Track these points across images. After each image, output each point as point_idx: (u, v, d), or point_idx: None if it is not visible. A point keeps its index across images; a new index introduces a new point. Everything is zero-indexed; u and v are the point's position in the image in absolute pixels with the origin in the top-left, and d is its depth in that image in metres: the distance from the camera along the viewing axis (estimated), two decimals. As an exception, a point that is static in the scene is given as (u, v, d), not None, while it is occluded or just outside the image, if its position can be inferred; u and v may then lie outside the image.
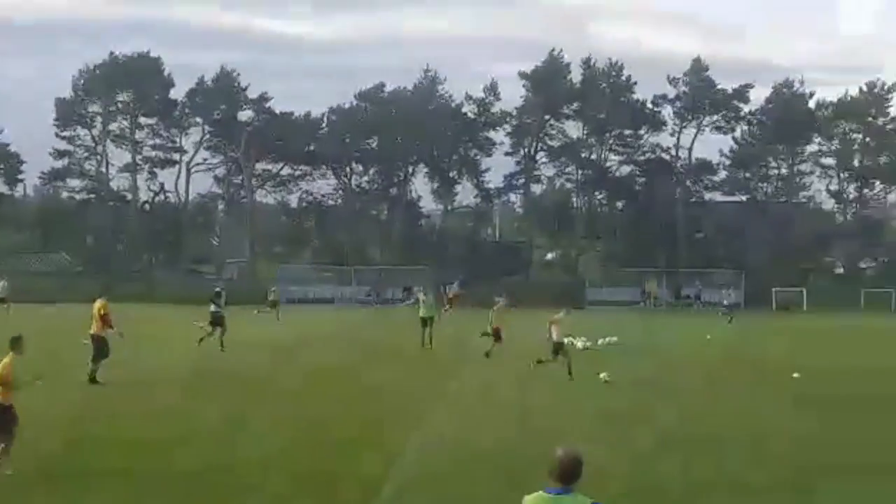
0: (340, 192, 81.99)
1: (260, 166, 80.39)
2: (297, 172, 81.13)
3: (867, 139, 78.16)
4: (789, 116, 76.02)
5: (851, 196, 79.68)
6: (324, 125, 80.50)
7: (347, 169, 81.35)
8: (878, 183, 79.25)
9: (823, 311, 56.12)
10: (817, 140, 79.05)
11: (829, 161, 79.11)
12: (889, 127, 77.56)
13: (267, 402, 18.36)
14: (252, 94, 79.01)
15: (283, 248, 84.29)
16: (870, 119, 77.61)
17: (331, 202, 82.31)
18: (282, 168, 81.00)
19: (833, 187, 79.51)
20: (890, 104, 77.47)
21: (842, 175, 79.22)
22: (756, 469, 12.62)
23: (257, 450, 13.43)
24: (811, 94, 78.73)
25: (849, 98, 78.22)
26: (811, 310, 62.58)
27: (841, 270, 78.96)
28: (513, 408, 18.10)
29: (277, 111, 79.58)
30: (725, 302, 48.67)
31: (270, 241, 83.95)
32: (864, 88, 78.36)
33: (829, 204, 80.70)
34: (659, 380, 22.46)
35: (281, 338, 33.60)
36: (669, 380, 22.49)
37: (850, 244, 77.76)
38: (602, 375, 21.98)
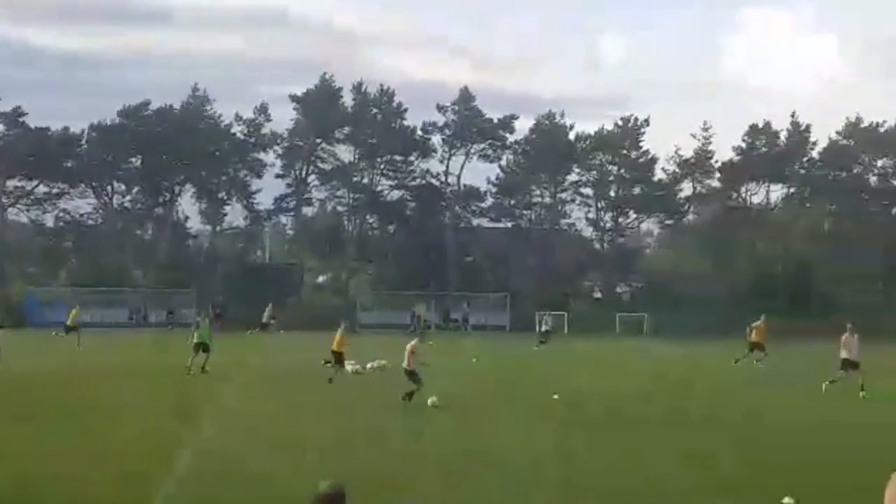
0: (101, 211, 78.42)
1: (11, 183, 75.59)
2: (55, 190, 76.81)
3: (622, 171, 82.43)
4: (551, 147, 79.25)
5: (608, 224, 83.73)
6: (83, 142, 76.77)
7: (109, 188, 78.02)
8: (632, 212, 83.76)
9: (583, 335, 58.34)
10: (577, 170, 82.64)
11: (588, 191, 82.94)
12: (641, 160, 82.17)
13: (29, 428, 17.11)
14: (4, 107, 74.40)
15: (37, 269, 79.45)
16: (624, 152, 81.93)
17: (91, 222, 78.60)
18: (36, 185, 76.41)
19: (591, 216, 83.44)
20: (643, 138, 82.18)
21: (599, 204, 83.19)
22: (538, 492, 12.74)
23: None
24: (571, 127, 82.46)
25: (605, 131, 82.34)
26: (571, 333, 65.02)
27: (599, 295, 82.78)
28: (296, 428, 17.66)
29: (32, 126, 75.10)
30: (544, 328, 50.32)
31: (23, 262, 79.01)
32: (620, 123, 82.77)
33: (588, 231, 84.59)
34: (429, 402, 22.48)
35: (45, 364, 31.59)
36: (442, 402, 22.56)
37: (608, 270, 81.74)
38: (430, 400, 21.73)
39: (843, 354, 26.53)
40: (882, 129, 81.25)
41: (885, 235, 75.79)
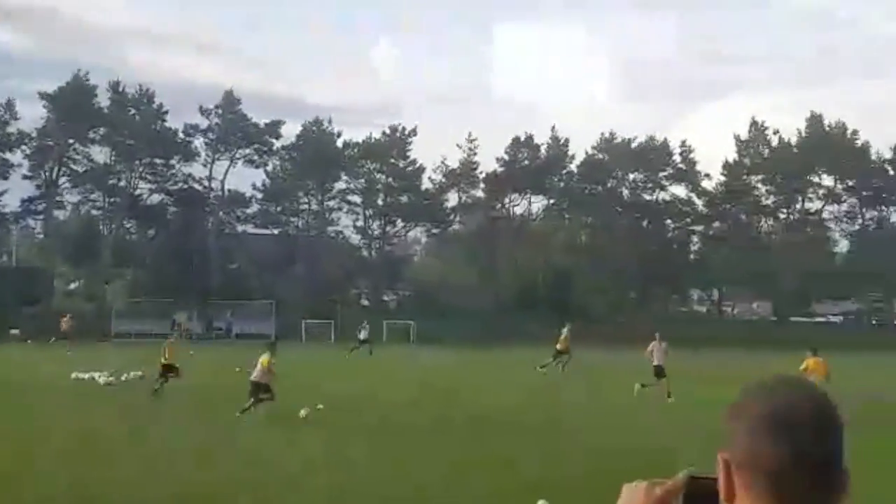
0: None
1: None
2: None
3: (390, 179, 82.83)
4: (319, 154, 78.56)
5: (376, 232, 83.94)
6: None
7: None
8: (399, 221, 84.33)
9: (350, 343, 57.81)
10: (345, 178, 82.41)
11: (356, 199, 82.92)
12: (409, 169, 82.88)
13: None
14: None
15: None
16: (392, 160, 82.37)
17: None
18: None
19: (359, 223, 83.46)
20: (410, 147, 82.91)
21: (367, 212, 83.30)
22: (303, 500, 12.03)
23: None
24: (339, 134, 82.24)
25: (373, 140, 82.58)
26: (339, 341, 64.32)
27: (367, 303, 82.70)
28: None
29: None
30: (361, 336, 49.29)
31: None
32: (388, 131, 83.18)
33: (355, 239, 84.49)
34: (199, 417, 21.31)
35: None
36: (207, 416, 21.36)
37: (375, 278, 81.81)
38: (302, 412, 20.84)
39: (656, 361, 27.52)
40: (633, 145, 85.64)
41: (637, 247, 79.76)
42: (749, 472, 1.59)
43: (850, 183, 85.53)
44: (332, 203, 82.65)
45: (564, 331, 36.87)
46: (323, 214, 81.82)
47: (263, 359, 21.98)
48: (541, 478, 13.87)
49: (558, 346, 36.37)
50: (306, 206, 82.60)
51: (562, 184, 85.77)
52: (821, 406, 1.61)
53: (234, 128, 78.73)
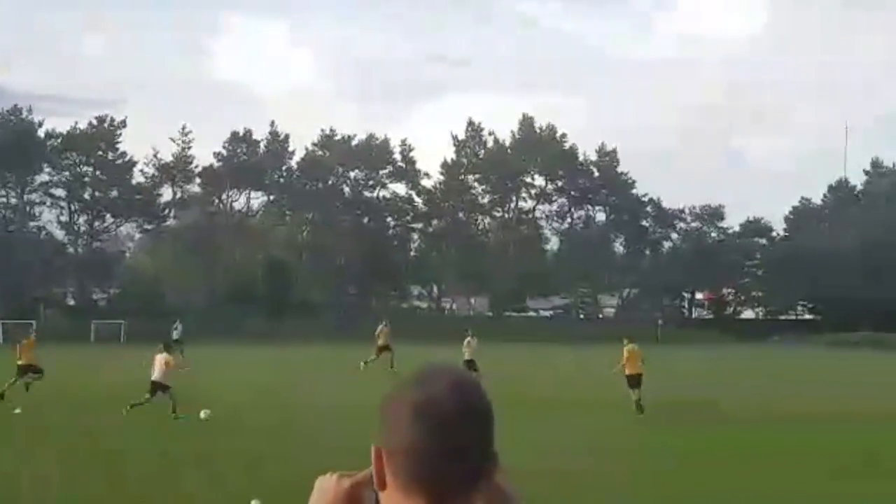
0: None
1: None
2: None
3: (98, 172, 78.38)
4: (18, 145, 72.81)
5: (83, 228, 79.25)
6: None
7: None
8: (109, 216, 79.99)
9: (55, 344, 53.85)
10: (47, 170, 77.28)
11: (60, 192, 78.03)
12: (119, 162, 78.68)
13: None
14: None
15: None
16: (100, 153, 77.94)
17: None
18: None
19: (64, 219, 78.45)
20: (120, 139, 78.75)
21: (73, 207, 78.47)
22: None
23: None
24: (40, 124, 76.81)
25: (79, 130, 77.87)
26: (42, 343, 59.73)
27: (73, 302, 77.92)
28: None
29: None
30: (175, 336, 45.30)
31: None
32: (95, 122, 78.62)
33: (60, 235, 79.18)
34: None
35: None
36: None
37: (82, 276, 77.34)
38: (203, 414, 20.29)
39: (467, 356, 30.19)
40: (354, 143, 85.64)
41: (359, 244, 79.78)
42: (395, 460, 1.64)
43: (560, 184, 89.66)
44: (33, 196, 77.08)
45: (381, 326, 36.19)
46: (23, 208, 76.07)
47: (163, 358, 21.63)
48: (271, 478, 12.89)
49: (380, 342, 35.70)
50: (4, 200, 76.59)
51: (282, 180, 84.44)
52: (464, 394, 1.65)
53: (-84, 113, 71.77)
